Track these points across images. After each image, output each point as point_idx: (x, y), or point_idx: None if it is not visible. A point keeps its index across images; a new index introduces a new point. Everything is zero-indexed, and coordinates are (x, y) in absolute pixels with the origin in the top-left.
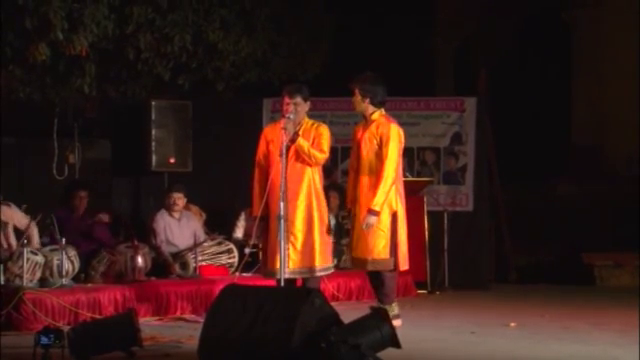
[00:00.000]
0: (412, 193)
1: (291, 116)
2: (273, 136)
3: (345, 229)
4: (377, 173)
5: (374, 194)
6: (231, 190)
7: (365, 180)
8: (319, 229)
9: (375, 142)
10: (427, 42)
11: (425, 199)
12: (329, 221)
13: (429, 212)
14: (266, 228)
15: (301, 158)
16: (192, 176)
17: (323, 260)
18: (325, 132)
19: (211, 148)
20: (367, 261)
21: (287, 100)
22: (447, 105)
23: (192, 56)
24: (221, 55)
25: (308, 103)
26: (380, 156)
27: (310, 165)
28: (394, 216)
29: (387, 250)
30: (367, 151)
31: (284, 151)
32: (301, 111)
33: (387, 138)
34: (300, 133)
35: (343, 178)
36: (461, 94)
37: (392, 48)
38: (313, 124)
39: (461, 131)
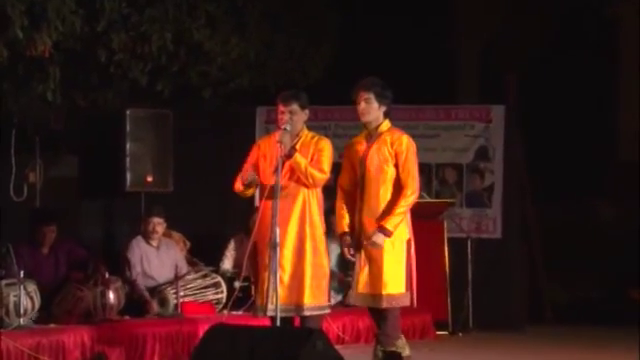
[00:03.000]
0: (430, 217)
1: (288, 127)
2: (267, 150)
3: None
4: (392, 194)
5: (391, 212)
6: (219, 214)
7: (370, 201)
8: (311, 261)
9: (387, 156)
10: (447, 42)
11: (445, 224)
12: (329, 251)
13: (450, 239)
14: (255, 257)
15: (296, 176)
16: (173, 198)
17: (314, 298)
18: (327, 147)
19: (196, 165)
20: (381, 297)
21: (281, 108)
22: (471, 114)
23: (173, 58)
24: (207, 57)
25: (306, 112)
26: (394, 175)
27: (307, 186)
28: (408, 244)
29: (403, 283)
30: (375, 167)
31: (280, 167)
32: (298, 121)
33: (405, 152)
34: (297, 147)
35: None
36: (487, 102)
37: (406, 49)
38: (313, 137)
39: (487, 145)
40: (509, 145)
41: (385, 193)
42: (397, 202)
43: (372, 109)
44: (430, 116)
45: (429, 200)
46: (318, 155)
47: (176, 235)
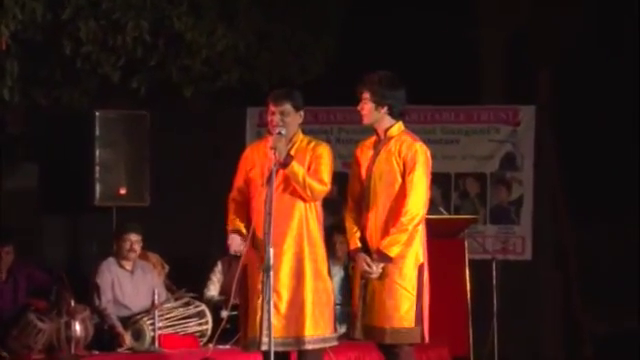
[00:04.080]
0: (448, 236)
1: (282, 131)
2: (256, 158)
3: None
4: (396, 209)
5: (391, 234)
6: (204, 232)
7: (377, 218)
8: (312, 285)
9: (395, 166)
10: (467, 32)
11: (466, 244)
12: (331, 275)
13: (472, 261)
14: (245, 282)
15: (291, 188)
16: (150, 213)
17: (317, 328)
18: (326, 154)
19: (177, 175)
20: (384, 331)
21: (272, 108)
22: (496, 116)
23: (151, 50)
24: (190, 49)
25: (301, 114)
26: (402, 186)
27: (304, 199)
28: (420, 270)
29: (412, 316)
30: (382, 178)
31: (273, 177)
32: (291, 123)
33: (413, 162)
34: (292, 154)
35: None
36: (514, 102)
37: (420, 41)
38: (309, 142)
39: (515, 151)
40: (540, 152)
41: (392, 209)
42: (395, 223)
43: (367, 110)
44: (448, 118)
45: (447, 216)
46: (316, 163)
47: (153, 257)
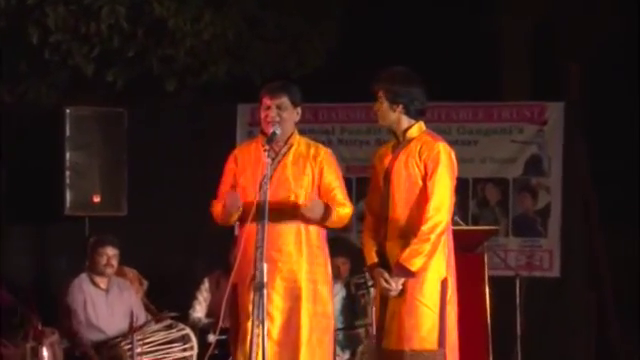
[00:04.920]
0: (466, 249)
1: (277, 130)
2: (247, 162)
3: (361, 304)
4: (417, 217)
5: (412, 245)
6: (188, 246)
7: (396, 228)
8: (309, 308)
9: (415, 169)
10: (487, 21)
11: (486, 259)
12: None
13: (492, 278)
14: (235, 302)
15: (288, 193)
16: (128, 223)
17: (314, 356)
18: (333, 164)
19: (157, 180)
20: (403, 354)
21: (266, 101)
22: (519, 114)
23: (129, 39)
24: (173, 38)
25: (298, 110)
26: (424, 191)
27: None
28: (444, 286)
29: (434, 337)
30: (401, 183)
31: (266, 183)
32: (288, 120)
33: (435, 163)
34: (289, 160)
35: (358, 227)
36: (540, 97)
37: (434, 30)
38: (309, 147)
39: (541, 154)
40: (570, 154)
41: (413, 217)
42: (417, 233)
43: (382, 110)
44: (465, 116)
45: (464, 227)
46: (328, 182)
47: (129, 272)
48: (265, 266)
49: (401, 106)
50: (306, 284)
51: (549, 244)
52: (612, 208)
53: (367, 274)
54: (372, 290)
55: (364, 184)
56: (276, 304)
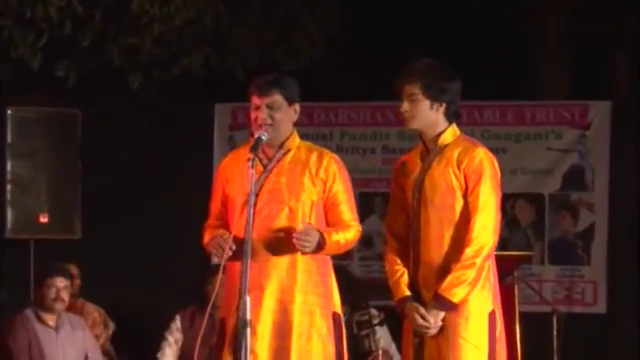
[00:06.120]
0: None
1: (263, 136)
2: (235, 170)
3: (365, 347)
4: (458, 239)
5: (454, 272)
6: (157, 275)
7: (431, 254)
8: (300, 346)
9: (454, 181)
10: (517, 8)
11: (516, 290)
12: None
13: (524, 315)
14: (221, 339)
15: (280, 207)
16: (82, 249)
17: None
18: (343, 173)
19: (119, 196)
20: None
21: (256, 101)
22: (557, 116)
23: (83, 25)
24: (137, 24)
25: (296, 108)
26: (465, 208)
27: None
28: (492, 320)
29: None
30: (436, 199)
31: (251, 199)
32: (282, 121)
33: (478, 174)
34: (283, 169)
35: (361, 254)
36: (582, 96)
37: (451, 15)
38: (311, 151)
39: (583, 164)
40: (619, 164)
41: (454, 240)
42: (460, 256)
43: (420, 111)
44: (492, 118)
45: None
46: (334, 197)
47: (96, 312)
48: (248, 300)
49: (444, 105)
50: (299, 317)
51: (593, 274)
52: None
53: (372, 310)
54: (377, 329)
55: (368, 200)
56: (262, 342)
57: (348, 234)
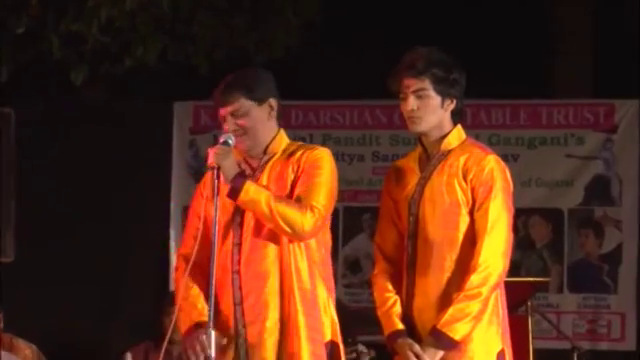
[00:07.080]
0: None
1: (230, 140)
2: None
3: None
4: (462, 264)
5: (455, 303)
6: (104, 306)
7: (429, 281)
8: None
9: (459, 194)
10: None
11: (530, 322)
12: None
13: (539, 352)
14: None
15: (266, 230)
16: (15, 274)
17: None
18: (326, 160)
19: (60, 212)
20: None
21: (220, 111)
22: (578, 117)
23: (18, 11)
24: (82, 8)
25: (271, 102)
26: (471, 226)
27: (290, 240)
28: (501, 359)
29: None
30: (436, 215)
31: (215, 220)
32: (255, 125)
33: (488, 186)
34: (265, 177)
35: (346, 280)
36: (607, 94)
37: (455, 2)
38: (298, 147)
39: (609, 174)
40: None
41: (457, 264)
42: (464, 284)
43: (431, 110)
44: (502, 120)
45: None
46: (306, 175)
47: (28, 349)
48: (214, 334)
49: (455, 102)
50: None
51: (620, 303)
52: None
53: (360, 346)
54: None
55: (354, 217)
56: None
57: (288, 207)
